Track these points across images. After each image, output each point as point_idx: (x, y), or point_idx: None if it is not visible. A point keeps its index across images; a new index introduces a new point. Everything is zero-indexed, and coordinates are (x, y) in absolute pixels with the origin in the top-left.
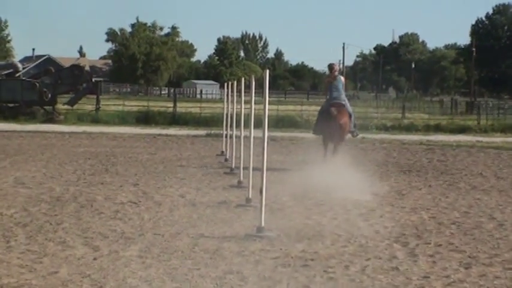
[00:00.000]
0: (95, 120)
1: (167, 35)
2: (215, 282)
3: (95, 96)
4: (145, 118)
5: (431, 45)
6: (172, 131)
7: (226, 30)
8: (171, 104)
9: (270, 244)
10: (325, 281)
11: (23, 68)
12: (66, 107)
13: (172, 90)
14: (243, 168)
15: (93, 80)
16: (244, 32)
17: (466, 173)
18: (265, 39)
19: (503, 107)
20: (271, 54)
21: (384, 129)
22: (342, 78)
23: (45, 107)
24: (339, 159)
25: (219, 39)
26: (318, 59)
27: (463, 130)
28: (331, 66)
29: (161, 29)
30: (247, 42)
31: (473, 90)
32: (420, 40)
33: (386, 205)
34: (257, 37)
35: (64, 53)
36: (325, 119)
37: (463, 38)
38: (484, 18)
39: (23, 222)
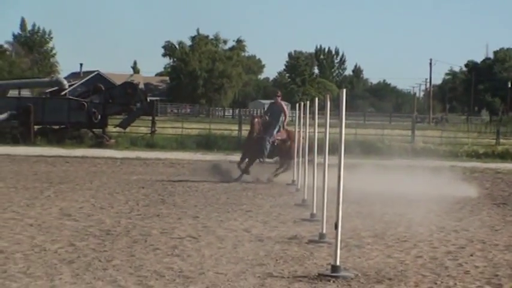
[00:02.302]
0: (150, 144)
1: (232, 49)
2: None
3: (150, 118)
4: (206, 143)
5: None
6: (237, 157)
7: (298, 44)
8: (235, 127)
9: (347, 285)
10: None
11: (70, 86)
12: (117, 129)
13: (237, 111)
14: (317, 200)
15: (148, 99)
16: (318, 47)
17: None
18: (342, 55)
19: None
20: (349, 71)
21: (475, 156)
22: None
23: (94, 130)
24: (423, 190)
25: (290, 54)
26: (402, 77)
27: None
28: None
29: (225, 42)
30: (321, 57)
31: None
32: None
33: (478, 242)
34: (333, 52)
35: (115, 68)
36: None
37: None
38: None
39: (69, 258)
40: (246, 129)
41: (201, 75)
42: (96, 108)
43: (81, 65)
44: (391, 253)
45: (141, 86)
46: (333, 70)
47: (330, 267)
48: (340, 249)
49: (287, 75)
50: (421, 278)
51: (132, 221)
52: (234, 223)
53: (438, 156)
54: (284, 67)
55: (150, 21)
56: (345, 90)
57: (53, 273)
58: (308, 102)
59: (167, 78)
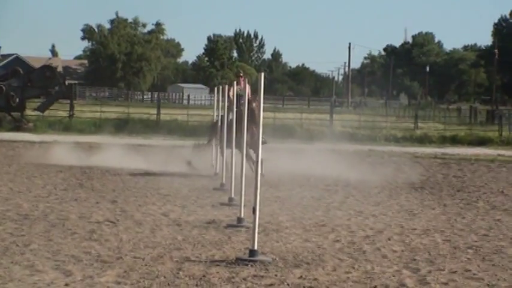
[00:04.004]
0: (68, 128)
1: (151, 32)
2: None
3: (68, 101)
4: (125, 126)
5: (448, 46)
6: (155, 141)
7: (218, 27)
8: (154, 111)
9: (264, 269)
10: None
11: None
12: (36, 113)
13: (156, 95)
14: (235, 184)
15: (67, 82)
16: (237, 30)
17: (485, 190)
18: (262, 38)
19: None
20: (267, 55)
21: (394, 140)
22: None
23: (12, 113)
24: (341, 174)
25: (209, 38)
26: (321, 61)
27: (482, 142)
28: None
29: (144, 25)
30: (240, 41)
31: (495, 97)
32: (436, 40)
33: (396, 226)
34: (252, 36)
35: (34, 52)
36: None
37: (484, 39)
38: (508, 16)
39: None
40: (165, 113)
41: (120, 59)
42: (14, 92)
43: None
44: (309, 237)
45: (60, 69)
46: (251, 54)
47: (247, 251)
48: (258, 233)
49: (206, 58)
50: (338, 262)
51: (50, 205)
52: (152, 207)
53: (356, 140)
54: (203, 51)
55: (69, 3)
56: (263, 74)
57: None
58: (227, 86)
59: (86, 61)
